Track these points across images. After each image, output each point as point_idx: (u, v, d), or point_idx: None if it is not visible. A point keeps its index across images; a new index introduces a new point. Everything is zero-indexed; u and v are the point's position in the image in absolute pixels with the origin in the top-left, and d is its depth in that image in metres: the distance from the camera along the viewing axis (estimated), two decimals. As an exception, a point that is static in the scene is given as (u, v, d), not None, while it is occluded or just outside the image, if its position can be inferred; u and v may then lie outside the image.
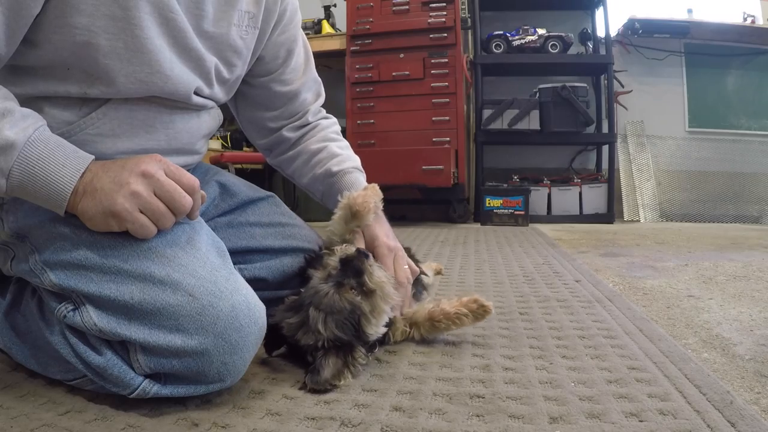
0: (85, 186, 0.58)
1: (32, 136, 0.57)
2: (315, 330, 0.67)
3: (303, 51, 0.95)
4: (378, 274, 0.72)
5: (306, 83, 0.96)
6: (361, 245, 0.82)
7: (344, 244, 0.80)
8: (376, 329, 0.72)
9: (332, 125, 1.01)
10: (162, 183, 0.60)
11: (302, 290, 0.72)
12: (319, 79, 1.00)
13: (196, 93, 0.76)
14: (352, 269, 0.71)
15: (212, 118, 0.85)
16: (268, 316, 0.68)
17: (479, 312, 0.81)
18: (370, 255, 0.74)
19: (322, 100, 1.01)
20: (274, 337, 0.72)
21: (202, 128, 0.81)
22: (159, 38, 0.67)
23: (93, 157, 0.61)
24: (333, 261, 0.73)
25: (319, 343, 0.67)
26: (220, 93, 0.82)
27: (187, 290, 0.59)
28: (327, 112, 1.05)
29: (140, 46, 0.66)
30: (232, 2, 0.76)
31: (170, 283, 0.59)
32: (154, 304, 0.58)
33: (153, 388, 0.59)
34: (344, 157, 0.94)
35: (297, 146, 0.97)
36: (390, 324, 0.78)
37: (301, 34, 0.95)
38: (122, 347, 0.60)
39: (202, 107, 0.80)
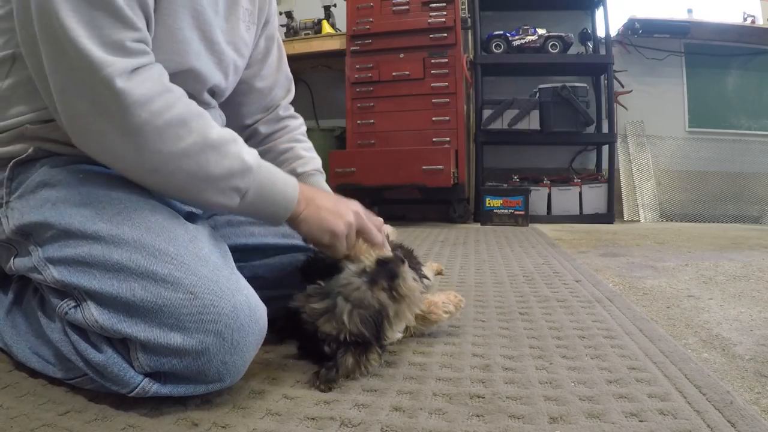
0: (308, 201, 0.71)
1: (259, 161, 0.67)
2: (339, 320, 0.67)
3: (276, 47, 1.01)
4: (411, 282, 0.73)
5: (279, 80, 1.02)
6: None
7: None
8: (394, 334, 0.73)
9: (300, 126, 1.07)
10: (363, 222, 0.76)
11: (321, 283, 0.72)
12: (291, 75, 1.06)
13: (210, 89, 0.80)
14: (388, 271, 0.71)
15: (215, 119, 0.87)
16: (279, 308, 0.71)
17: (458, 303, 0.85)
18: (406, 261, 0.74)
19: (291, 96, 1.07)
20: (288, 323, 0.72)
21: None
22: (190, 30, 0.71)
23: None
24: (369, 260, 0.73)
25: (342, 336, 0.67)
26: (231, 84, 0.86)
27: (189, 288, 0.59)
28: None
29: (171, 36, 0.69)
30: None
31: (172, 281, 0.59)
32: (156, 302, 0.58)
33: (152, 387, 0.59)
34: (308, 159, 1.02)
35: (267, 143, 1.03)
36: None
37: (277, 31, 1.01)
38: (123, 345, 0.60)
39: (207, 105, 0.82)
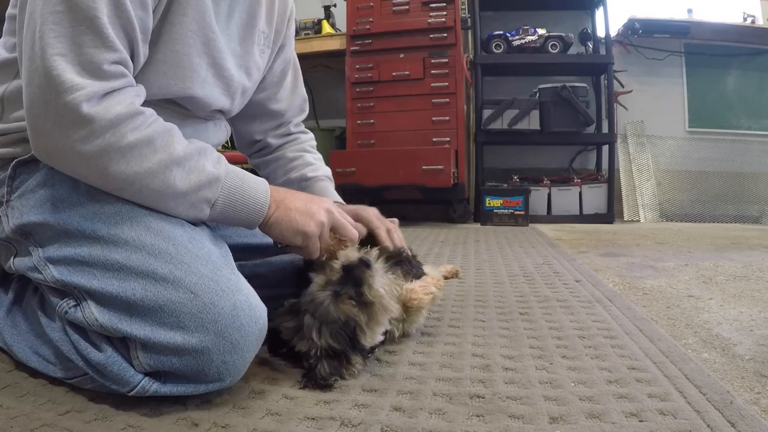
0: (278, 203, 0.70)
1: (227, 168, 0.66)
2: (309, 338, 0.67)
3: (292, 70, 1.02)
4: (378, 286, 0.71)
5: (294, 101, 1.03)
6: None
7: (348, 249, 0.78)
8: (371, 340, 0.72)
9: (309, 140, 1.08)
10: (336, 219, 0.75)
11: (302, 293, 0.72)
12: (306, 96, 1.07)
13: (214, 109, 0.80)
14: (353, 278, 0.69)
15: (219, 130, 0.89)
16: (269, 318, 0.69)
17: (437, 283, 0.83)
18: (372, 264, 0.72)
19: (304, 115, 1.08)
20: (277, 338, 0.72)
21: (209, 138, 0.84)
22: (198, 56, 0.71)
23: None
24: (336, 265, 0.72)
25: (313, 351, 0.67)
26: (237, 106, 0.86)
27: (189, 288, 0.59)
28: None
29: (178, 61, 0.69)
30: (252, 22, 0.82)
31: (172, 280, 0.59)
32: (156, 301, 0.58)
33: (152, 387, 0.59)
34: (317, 166, 1.03)
35: (276, 152, 1.03)
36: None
37: (294, 53, 1.02)
38: (123, 344, 0.60)
39: (210, 117, 0.83)
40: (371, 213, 0.89)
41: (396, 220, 0.93)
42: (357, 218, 0.89)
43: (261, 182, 0.70)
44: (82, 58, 0.57)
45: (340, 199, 1.00)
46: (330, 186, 1.02)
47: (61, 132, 0.57)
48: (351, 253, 0.74)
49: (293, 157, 1.02)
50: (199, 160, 0.64)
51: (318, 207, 0.72)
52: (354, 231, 0.77)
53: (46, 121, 0.57)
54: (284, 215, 0.70)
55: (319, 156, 1.06)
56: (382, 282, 0.72)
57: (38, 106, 0.57)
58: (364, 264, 0.70)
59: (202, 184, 0.64)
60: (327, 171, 1.04)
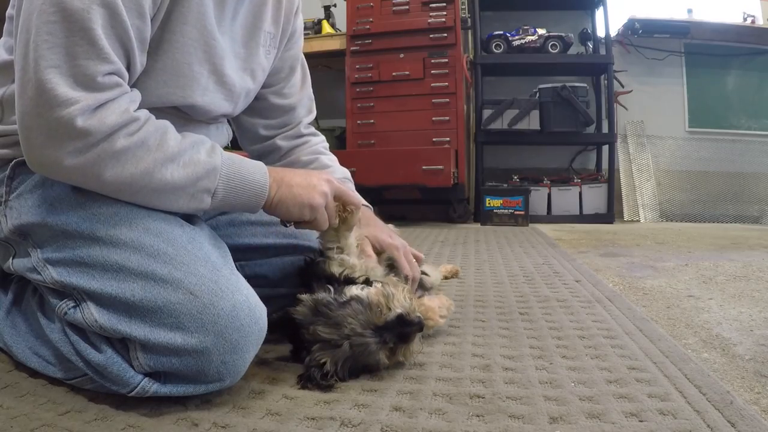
0: (279, 182, 0.69)
1: (223, 155, 0.66)
2: (333, 360, 0.67)
3: (301, 68, 1.00)
4: (414, 350, 0.72)
5: (302, 100, 1.01)
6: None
7: (407, 289, 0.75)
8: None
9: (321, 141, 1.06)
10: (338, 187, 0.75)
11: (347, 295, 0.70)
12: (313, 96, 1.05)
13: (217, 115, 0.80)
14: (402, 333, 0.69)
15: (221, 133, 0.88)
16: (275, 312, 0.70)
17: (449, 306, 0.84)
18: (424, 325, 0.72)
19: (312, 116, 1.06)
20: (285, 323, 0.72)
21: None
22: (199, 65, 0.71)
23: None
24: (396, 303, 0.70)
25: (323, 362, 0.67)
26: (240, 108, 0.86)
27: (189, 288, 0.59)
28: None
29: (178, 70, 0.68)
30: (258, 24, 0.81)
31: (172, 281, 0.59)
32: (155, 302, 0.58)
33: (152, 387, 0.59)
34: (334, 168, 1.00)
35: (288, 156, 1.01)
36: None
37: (301, 52, 1.00)
38: (122, 345, 0.60)
39: (213, 121, 0.83)
40: (398, 242, 0.89)
41: (421, 255, 0.94)
42: (381, 246, 0.88)
43: (259, 164, 0.70)
44: (76, 70, 0.56)
45: (365, 202, 0.96)
46: (351, 187, 0.98)
47: (54, 145, 0.56)
48: (410, 304, 0.72)
49: (308, 161, 1.00)
50: (193, 153, 0.64)
51: (318, 179, 0.73)
52: (358, 196, 0.78)
53: (39, 134, 0.56)
54: (287, 192, 0.70)
55: (334, 157, 1.04)
56: (418, 345, 0.73)
57: (31, 117, 0.56)
58: (419, 327, 0.70)
59: (199, 176, 0.63)
60: (345, 172, 1.01)
